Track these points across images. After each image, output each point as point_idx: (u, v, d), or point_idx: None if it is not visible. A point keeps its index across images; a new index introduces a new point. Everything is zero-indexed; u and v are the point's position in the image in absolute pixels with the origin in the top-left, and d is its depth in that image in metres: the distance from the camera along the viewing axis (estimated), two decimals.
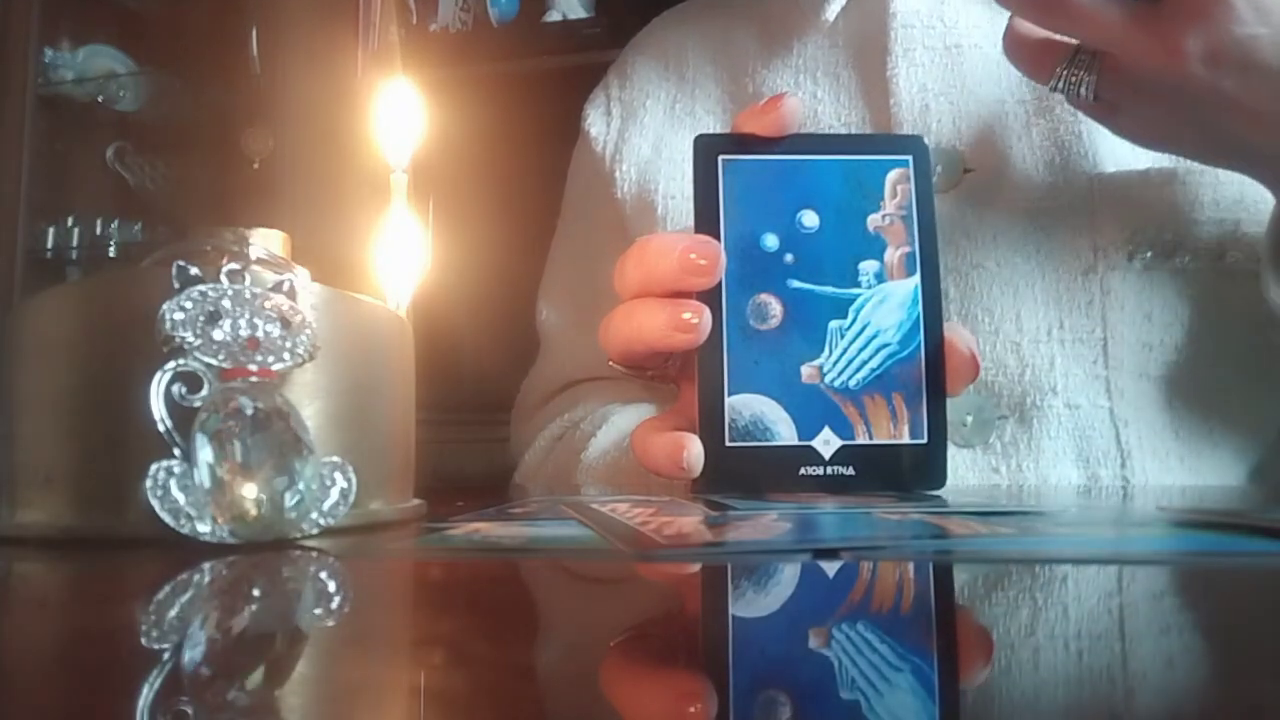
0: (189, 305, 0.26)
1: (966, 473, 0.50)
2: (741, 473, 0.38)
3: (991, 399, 0.50)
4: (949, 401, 0.50)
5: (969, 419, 0.50)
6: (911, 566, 0.23)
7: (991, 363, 0.50)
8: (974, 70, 0.53)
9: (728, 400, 0.38)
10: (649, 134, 0.62)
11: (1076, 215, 0.49)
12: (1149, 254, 0.48)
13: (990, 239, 0.50)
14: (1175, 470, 0.49)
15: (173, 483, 0.24)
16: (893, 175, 0.39)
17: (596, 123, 0.66)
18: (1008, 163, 0.51)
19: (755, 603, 0.19)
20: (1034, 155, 0.51)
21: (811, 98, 0.57)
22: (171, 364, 0.26)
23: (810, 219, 0.39)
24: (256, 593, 0.21)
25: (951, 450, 0.50)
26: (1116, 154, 0.50)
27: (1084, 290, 0.49)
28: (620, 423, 0.55)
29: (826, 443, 0.38)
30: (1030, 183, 0.50)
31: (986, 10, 0.54)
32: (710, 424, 0.38)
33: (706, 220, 0.39)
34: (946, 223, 0.51)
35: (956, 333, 0.39)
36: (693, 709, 0.13)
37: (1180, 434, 0.49)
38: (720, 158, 0.39)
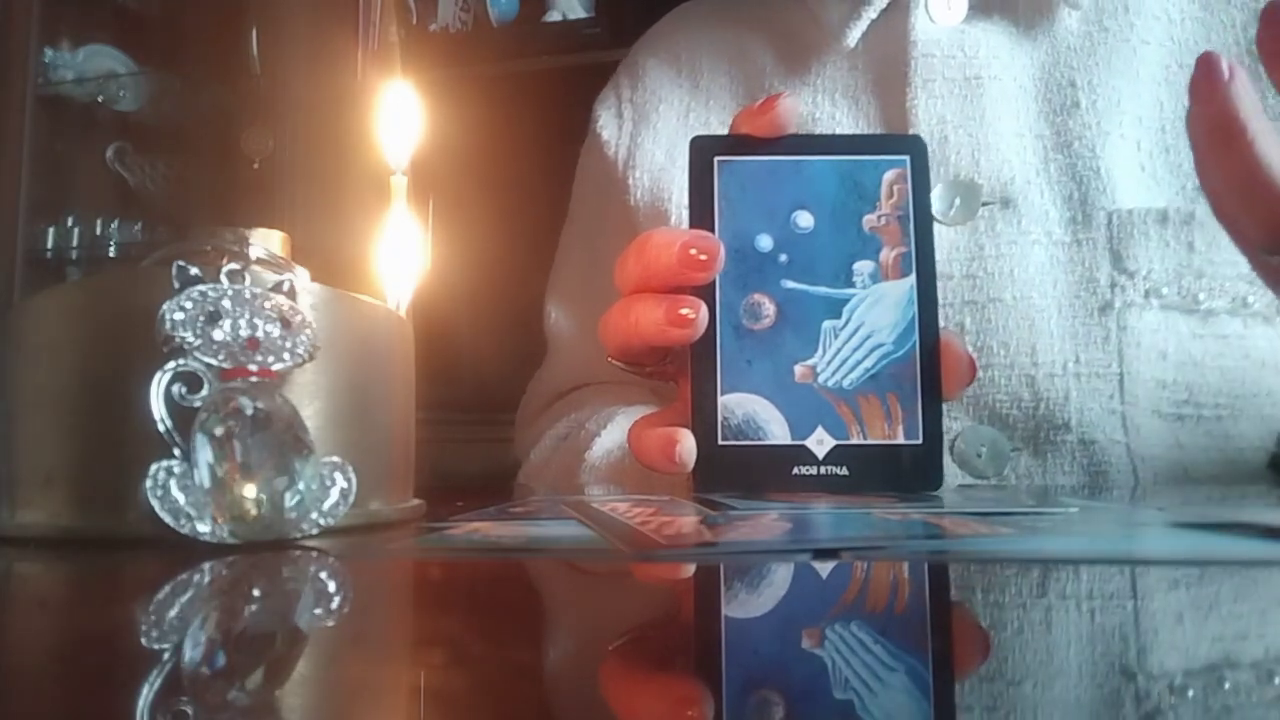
0: (189, 305, 0.26)
1: None
2: (734, 471, 0.38)
3: (1005, 432, 0.50)
4: (964, 434, 0.50)
5: (983, 450, 0.49)
6: (911, 567, 0.23)
7: (1006, 396, 0.49)
8: (993, 102, 0.52)
9: (721, 399, 0.38)
10: (662, 140, 0.62)
11: (1095, 251, 0.49)
12: (1165, 291, 0.48)
13: (1007, 272, 0.50)
14: None
15: (173, 483, 0.24)
16: (889, 176, 0.39)
17: (608, 125, 0.65)
18: (1026, 196, 0.50)
19: (755, 603, 0.19)
20: (1052, 189, 0.51)
21: (830, 119, 0.56)
22: (171, 364, 0.26)
23: (805, 219, 0.39)
24: (256, 593, 0.21)
25: (966, 480, 0.50)
26: (1135, 191, 0.50)
27: (1101, 326, 0.49)
28: (625, 423, 0.55)
29: (820, 442, 0.38)
30: (1048, 216, 0.50)
31: (1006, 41, 0.54)
32: (703, 423, 0.38)
33: (701, 221, 0.39)
34: (964, 256, 0.51)
35: (952, 336, 0.39)
36: (691, 712, 0.13)
37: (1190, 472, 0.49)
38: (716, 159, 0.39)
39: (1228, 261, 0.48)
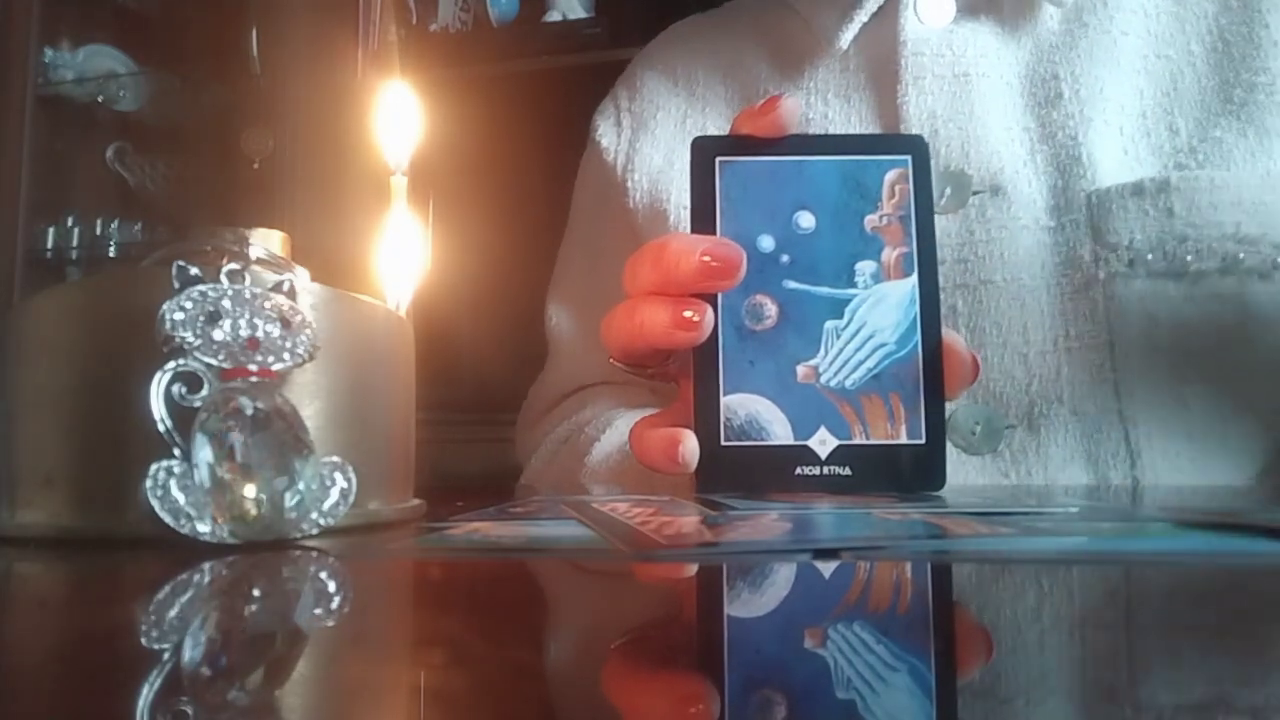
0: (189, 305, 0.26)
1: (976, 478, 0.51)
2: (737, 472, 0.38)
3: (1000, 409, 0.51)
4: (957, 412, 0.50)
5: (977, 428, 0.50)
6: (912, 567, 0.23)
7: (999, 374, 0.51)
8: (982, 98, 0.54)
9: (723, 400, 0.38)
10: (660, 145, 0.63)
11: (1078, 231, 0.51)
12: (1150, 258, 0.49)
13: (998, 256, 0.51)
14: (1186, 470, 0.49)
15: (173, 483, 0.24)
16: (891, 175, 0.39)
17: (607, 134, 0.66)
18: (1014, 185, 0.52)
19: (755, 603, 0.19)
20: (1039, 178, 0.52)
21: (823, 118, 0.58)
22: (171, 364, 0.26)
23: (807, 220, 0.39)
24: (256, 593, 0.21)
25: (961, 457, 0.50)
26: (1118, 174, 0.51)
27: (1088, 299, 0.50)
28: (624, 427, 0.56)
29: (822, 443, 0.38)
30: (1035, 204, 0.52)
31: (993, 40, 0.55)
32: (706, 423, 0.38)
33: (702, 222, 0.39)
34: (956, 241, 0.52)
35: (954, 337, 0.39)
36: (694, 710, 0.13)
37: (1193, 435, 0.49)
38: (717, 159, 0.39)
39: (1211, 223, 0.49)
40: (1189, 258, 0.49)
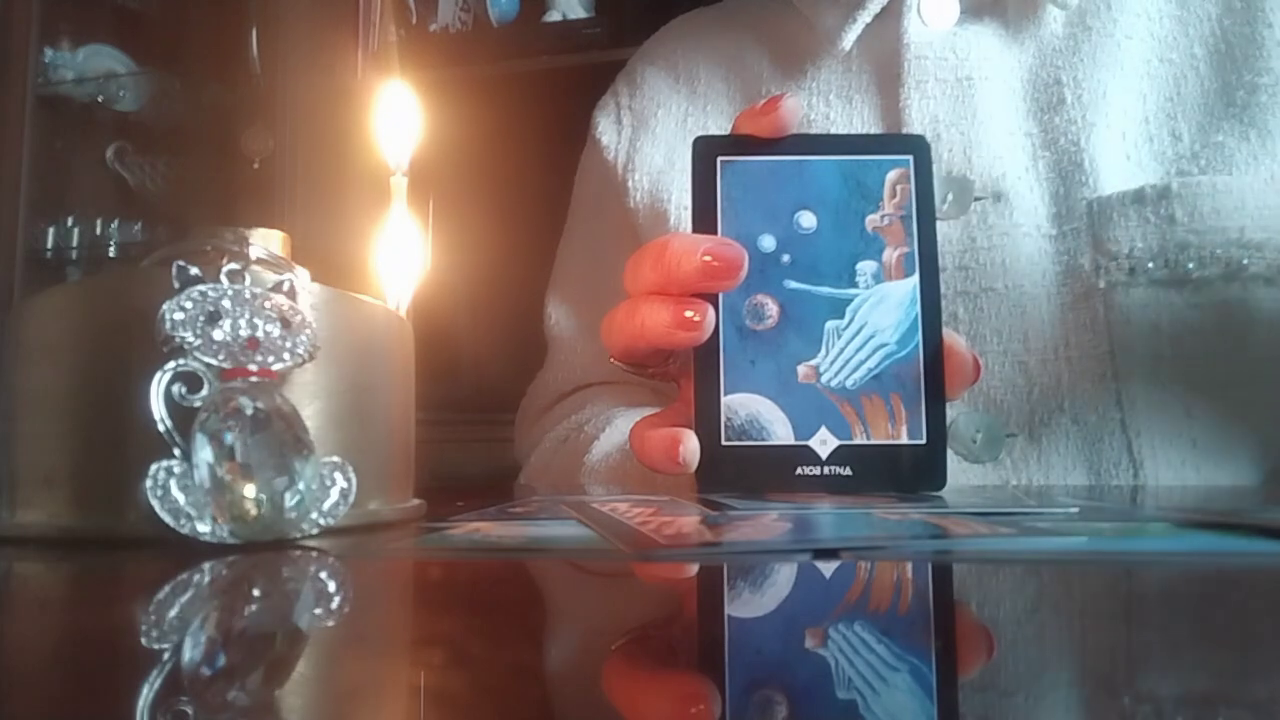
0: (189, 305, 0.26)
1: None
2: (738, 472, 0.38)
3: (1000, 417, 0.50)
4: (958, 420, 0.50)
5: (978, 436, 0.50)
6: (912, 567, 0.23)
7: (1000, 382, 0.51)
8: (985, 102, 0.54)
9: (724, 399, 0.38)
10: (661, 144, 0.63)
11: (1078, 240, 0.51)
12: (1151, 266, 0.49)
13: (999, 263, 0.51)
14: (1190, 479, 0.49)
15: (173, 483, 0.24)
16: (892, 175, 0.39)
17: (607, 131, 0.66)
18: (1016, 191, 0.52)
19: (755, 603, 0.19)
20: (1041, 185, 0.52)
21: (825, 119, 0.58)
22: (171, 364, 0.26)
23: (808, 219, 0.39)
24: (256, 593, 0.21)
25: (962, 465, 0.50)
26: (1120, 179, 0.51)
27: (1088, 308, 0.50)
28: (624, 426, 0.56)
29: (823, 443, 0.38)
30: (1037, 211, 0.52)
31: (996, 43, 0.55)
32: (706, 423, 0.38)
33: (703, 222, 0.39)
34: (957, 248, 0.52)
35: (955, 337, 0.39)
36: (694, 709, 0.13)
37: (1199, 443, 0.49)
38: (719, 159, 0.39)
39: (1214, 229, 0.48)
40: (1191, 265, 0.49)
